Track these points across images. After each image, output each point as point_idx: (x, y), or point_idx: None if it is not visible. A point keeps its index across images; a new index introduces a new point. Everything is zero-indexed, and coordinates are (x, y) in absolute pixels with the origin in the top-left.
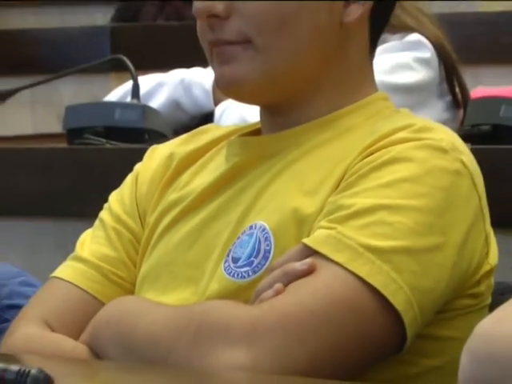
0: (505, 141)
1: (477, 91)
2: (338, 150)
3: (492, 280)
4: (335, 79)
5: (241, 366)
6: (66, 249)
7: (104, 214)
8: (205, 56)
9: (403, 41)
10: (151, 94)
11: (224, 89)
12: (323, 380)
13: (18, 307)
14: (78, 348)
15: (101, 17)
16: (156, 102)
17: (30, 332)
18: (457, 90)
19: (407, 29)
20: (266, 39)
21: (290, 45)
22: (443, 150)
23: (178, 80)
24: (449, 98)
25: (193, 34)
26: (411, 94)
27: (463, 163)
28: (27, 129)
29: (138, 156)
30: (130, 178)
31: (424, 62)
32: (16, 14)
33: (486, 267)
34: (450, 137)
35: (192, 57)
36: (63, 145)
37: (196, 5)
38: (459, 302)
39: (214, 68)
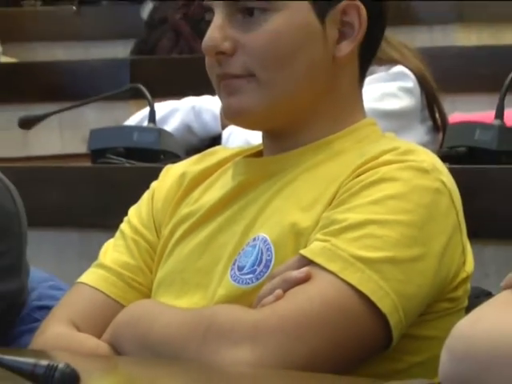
0: (479, 161)
1: (454, 117)
2: (331, 170)
3: (468, 285)
4: (328, 107)
5: (245, 362)
6: (90, 257)
7: (124, 226)
8: (213, 86)
9: (389, 72)
10: (166, 118)
11: (230, 118)
12: (320, 374)
13: (47, 308)
14: (100, 346)
15: (121, 50)
16: (170, 126)
17: (58, 331)
18: (436, 115)
19: (392, 61)
20: (267, 74)
21: (288, 78)
22: (425, 171)
23: (190, 106)
24: (429, 122)
25: (202, 66)
26: (396, 119)
27: (443, 182)
28: (56, 149)
29: (154, 174)
30: (147, 195)
31: (407, 90)
32: (47, 48)
33: (463, 274)
34: (430, 158)
35: (202, 86)
36: (88, 164)
37: (205, 43)
38: (439, 305)
39: (221, 98)
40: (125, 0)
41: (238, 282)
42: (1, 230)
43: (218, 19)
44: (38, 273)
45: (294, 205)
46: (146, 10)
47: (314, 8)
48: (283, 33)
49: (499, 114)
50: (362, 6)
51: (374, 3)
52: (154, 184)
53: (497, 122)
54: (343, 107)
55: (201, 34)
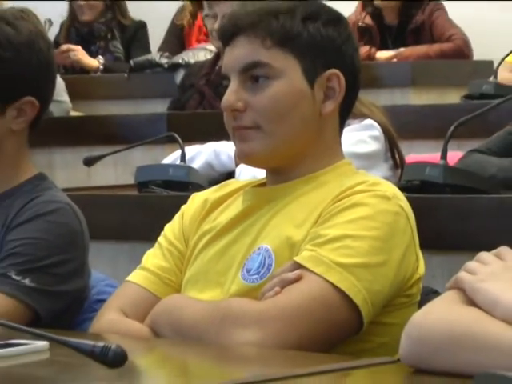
0: (429, 192)
1: (410, 157)
2: (317, 197)
3: (420, 285)
4: (315, 151)
5: (251, 343)
6: (136, 263)
7: (161, 239)
8: (229, 134)
9: (361, 124)
10: (193, 158)
11: (242, 160)
12: (308, 353)
13: (103, 301)
14: (143, 329)
15: (160, 107)
16: (196, 164)
17: (111, 317)
18: (396, 156)
19: (363, 116)
20: (270, 126)
21: (286, 130)
22: (387, 198)
23: (212, 149)
24: (391, 162)
25: (221, 119)
26: (366, 159)
27: (401, 207)
28: (111, 181)
29: (184, 200)
30: (178, 215)
31: (375, 138)
32: (105, 105)
33: (416, 276)
34: (392, 189)
35: (221, 134)
36: (135, 193)
37: (223, 102)
38: (398, 299)
39: (235, 144)
40: (163, 69)
41: (247, 281)
42: (68, 243)
43: (233, 85)
44: (97, 275)
45: (289, 223)
46: (179, 77)
47: (305, 76)
48: (282, 95)
49: (444, 156)
50: (341, 75)
51: (350, 73)
52: (183, 207)
53: (442, 162)
54: (326, 151)
55: (219, 95)
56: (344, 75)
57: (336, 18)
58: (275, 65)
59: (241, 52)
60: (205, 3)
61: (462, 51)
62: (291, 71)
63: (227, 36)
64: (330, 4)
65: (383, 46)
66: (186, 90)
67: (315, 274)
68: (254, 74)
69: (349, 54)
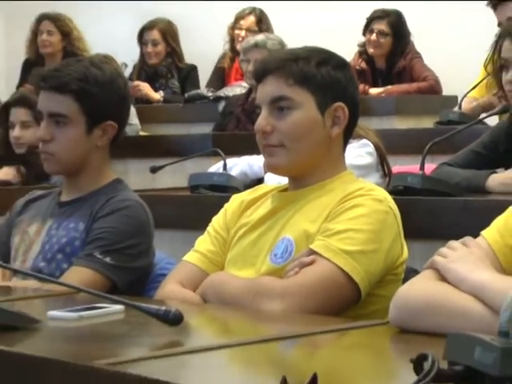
0: (411, 194)
1: (395, 168)
2: (326, 199)
3: (404, 266)
4: (325, 163)
5: (276, 311)
6: (190, 246)
7: (209, 228)
8: (260, 150)
9: (359, 143)
10: (232, 168)
11: (269, 170)
12: (319, 316)
13: (165, 275)
14: (195, 297)
15: (207, 128)
16: (234, 172)
17: (171, 288)
18: (385, 168)
19: (361, 137)
20: (292, 145)
21: (303, 148)
22: (380, 200)
23: (246, 162)
24: (381, 172)
25: (253, 138)
26: (363, 170)
27: (390, 207)
28: (170, 185)
29: (225, 200)
30: (222, 211)
31: (369, 153)
32: (165, 127)
33: (401, 259)
34: (383, 193)
35: (252, 149)
36: (188, 193)
37: (256, 126)
38: (388, 277)
39: (264, 158)
40: (209, 100)
41: (273, 263)
42: (138, 231)
43: (263, 113)
44: (160, 255)
45: (305, 219)
46: (221, 106)
47: (318, 108)
48: (300, 122)
49: (422, 168)
50: (345, 107)
51: (352, 105)
52: (226, 205)
53: (420, 172)
54: (334, 163)
55: (252, 120)
56: (347, 107)
57: (342, 63)
58: (296, 98)
59: (269, 88)
60: (241, 51)
61: (434, 88)
62: (307, 104)
63: (259, 76)
64: (336, 51)
65: (374, 85)
66: (226, 116)
67: (325, 258)
68: (279, 105)
69: (351, 91)
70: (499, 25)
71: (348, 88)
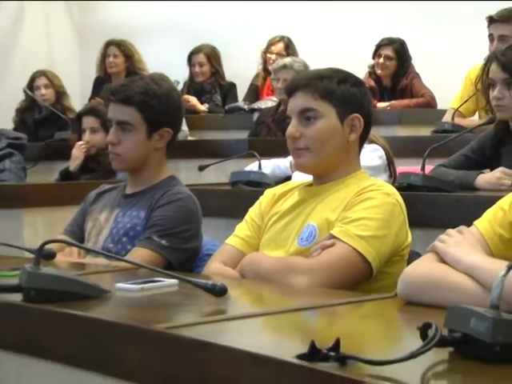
0: (414, 190)
1: (399, 169)
2: (344, 193)
3: (409, 249)
4: (344, 164)
5: (302, 285)
6: (231, 232)
7: (247, 217)
8: (290, 152)
9: (371, 147)
10: (265, 167)
11: (297, 169)
12: (337, 290)
13: (210, 255)
14: (235, 274)
15: (243, 135)
16: (266, 171)
17: (215, 266)
18: (391, 168)
19: (372, 142)
20: (316, 148)
21: (326, 151)
22: (388, 194)
23: (276, 163)
24: (388, 172)
25: (281, 143)
26: (374, 170)
27: (397, 200)
28: (214, 181)
29: (260, 193)
30: (257, 202)
31: (380, 157)
32: (209, 133)
33: (406, 243)
34: (391, 188)
35: (280, 152)
36: (229, 188)
37: (287, 132)
38: (394, 258)
39: (293, 159)
40: (245, 112)
41: (300, 245)
42: (188, 218)
43: (293, 122)
44: (206, 238)
45: (327, 209)
46: (255, 117)
47: (338, 118)
48: (323, 130)
49: (422, 168)
50: (361, 118)
51: (366, 116)
52: (261, 197)
53: (421, 172)
54: (350, 164)
55: (281, 129)
56: (362, 117)
57: (358, 81)
58: (320, 110)
59: (298, 101)
60: (272, 71)
61: (430, 103)
62: (330, 114)
63: (290, 91)
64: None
65: (381, 100)
66: (259, 125)
67: (343, 242)
68: (306, 115)
69: (366, 105)
70: (490, 36)
71: (363, 102)
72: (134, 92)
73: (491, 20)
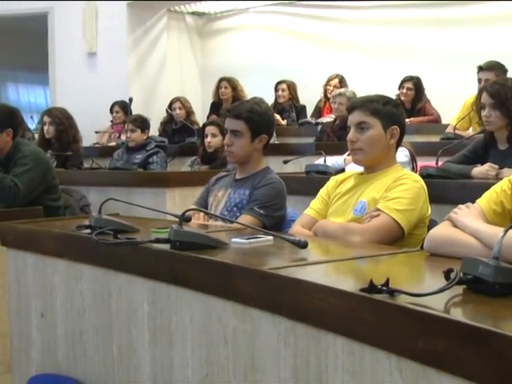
0: (431, 178)
1: (419, 163)
2: (385, 180)
3: (429, 218)
4: (385, 161)
5: (357, 242)
6: (307, 205)
7: (318, 195)
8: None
9: (400, 149)
10: (328, 162)
11: (354, 163)
12: (378, 245)
13: (293, 221)
14: (310, 234)
15: (311, 140)
16: (329, 164)
17: (297, 228)
18: (414, 164)
19: (402, 145)
20: (367, 149)
21: (374, 151)
22: (416, 181)
23: (335, 159)
24: (411, 166)
25: (337, 147)
26: (404, 165)
27: (422, 185)
28: (291, 171)
29: (327, 179)
30: (326, 185)
31: (405, 155)
32: (288, 139)
33: (427, 215)
34: (417, 176)
35: (338, 152)
36: (304, 175)
37: (348, 138)
38: (419, 224)
39: (352, 156)
40: (312, 124)
41: (355, 215)
42: (279, 196)
43: (352, 131)
44: (290, 209)
45: (374, 191)
46: (319, 128)
47: (383, 128)
48: (372, 136)
49: (437, 163)
50: (398, 128)
51: (401, 127)
52: (327, 182)
53: (436, 166)
54: (390, 160)
55: (337, 137)
56: (399, 128)
57: (397, 104)
58: (370, 123)
59: (356, 117)
60: (331, 97)
61: (437, 120)
62: (377, 126)
63: (350, 109)
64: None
65: None
66: (322, 133)
67: (385, 213)
68: (361, 126)
69: (401, 120)
70: (479, 80)
71: (400, 118)
72: (243, 110)
73: (480, 68)
